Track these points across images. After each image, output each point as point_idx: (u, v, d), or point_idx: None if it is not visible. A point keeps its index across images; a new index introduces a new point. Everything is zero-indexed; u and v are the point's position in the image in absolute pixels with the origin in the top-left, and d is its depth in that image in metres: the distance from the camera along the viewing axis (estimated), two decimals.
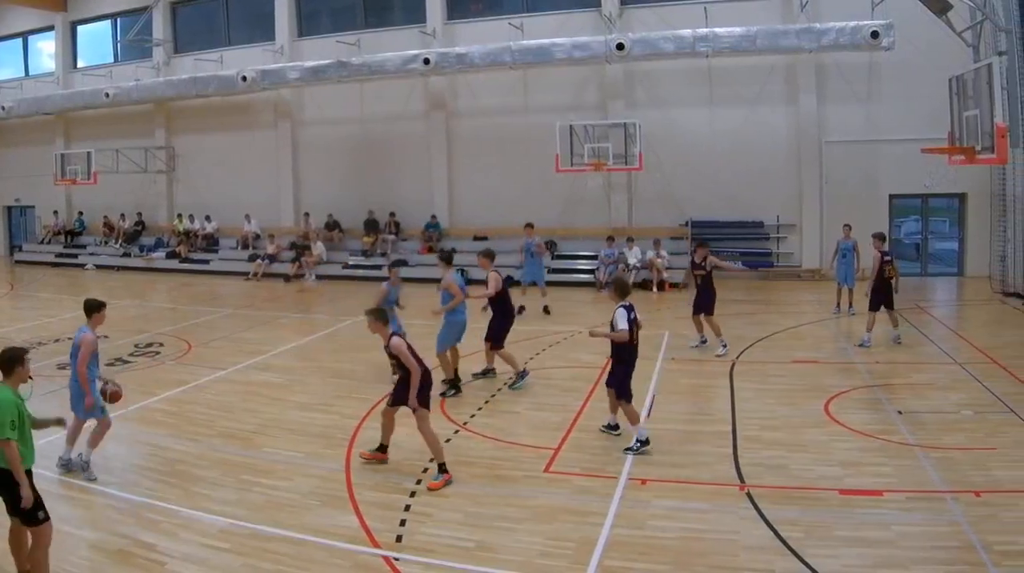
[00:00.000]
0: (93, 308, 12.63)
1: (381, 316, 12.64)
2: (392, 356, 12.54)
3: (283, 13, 40.29)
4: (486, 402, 16.67)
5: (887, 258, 20.89)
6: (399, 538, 10.42)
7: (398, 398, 12.76)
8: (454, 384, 17.07)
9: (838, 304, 26.04)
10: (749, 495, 11.46)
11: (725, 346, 20.44)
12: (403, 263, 18.23)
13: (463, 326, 17.46)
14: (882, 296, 20.83)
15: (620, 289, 13.92)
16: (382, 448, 13.15)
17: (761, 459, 12.89)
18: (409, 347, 12.47)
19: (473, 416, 15.64)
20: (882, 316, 21.06)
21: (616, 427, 14.19)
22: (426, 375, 12.59)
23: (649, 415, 14.97)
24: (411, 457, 13.02)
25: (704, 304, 20.69)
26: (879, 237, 21.41)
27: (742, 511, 10.99)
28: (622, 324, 13.45)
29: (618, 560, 9.74)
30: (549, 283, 28.02)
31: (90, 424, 12.79)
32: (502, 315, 17.82)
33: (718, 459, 12.99)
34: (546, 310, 26.66)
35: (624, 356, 13.69)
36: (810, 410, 15.50)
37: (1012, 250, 27.99)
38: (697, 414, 15.71)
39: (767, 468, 12.51)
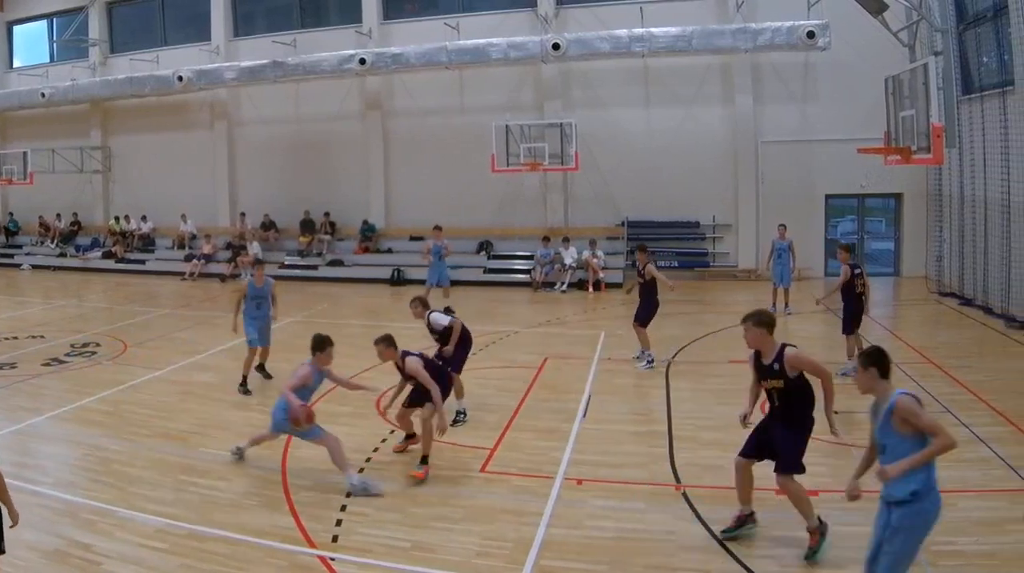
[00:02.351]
0: (317, 346, 12.14)
1: (390, 343, 12.52)
2: (409, 377, 12.52)
3: (219, 13, 38.75)
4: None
5: (857, 271, 17.76)
6: (335, 538, 10.13)
7: (415, 402, 12.67)
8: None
9: (774, 304, 25.17)
10: (685, 495, 11.21)
11: (650, 362, 18.56)
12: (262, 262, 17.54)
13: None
14: (857, 316, 17.86)
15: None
16: (410, 436, 13.23)
17: (697, 459, 12.59)
18: (425, 363, 12.45)
19: None
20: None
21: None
22: (447, 378, 13.17)
23: (585, 415, 14.64)
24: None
25: (641, 315, 18.99)
26: (845, 248, 18.53)
27: (678, 511, 10.77)
28: None
29: (555, 560, 9.50)
30: (485, 283, 27.87)
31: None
32: (462, 346, 16.15)
33: (654, 459, 12.64)
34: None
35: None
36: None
37: (948, 250, 27.59)
38: (633, 414, 15.12)
39: (703, 468, 12.18)
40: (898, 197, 31.68)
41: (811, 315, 24.56)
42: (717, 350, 20.19)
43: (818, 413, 9.68)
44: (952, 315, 24.69)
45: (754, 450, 9.97)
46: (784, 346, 9.69)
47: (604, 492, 11.43)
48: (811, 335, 21.51)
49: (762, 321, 9.85)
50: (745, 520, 9.99)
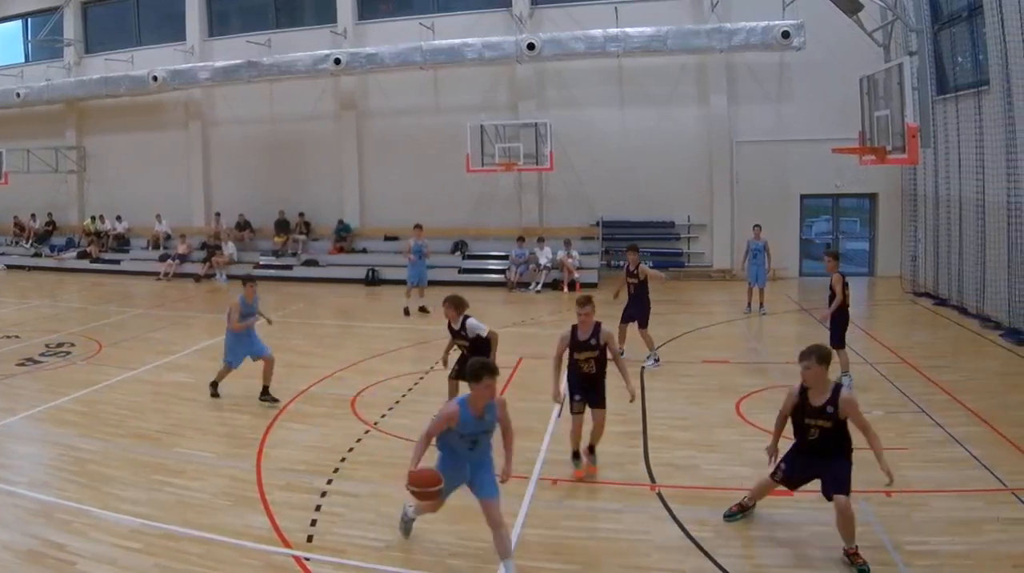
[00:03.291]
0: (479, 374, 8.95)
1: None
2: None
3: (194, 13, 38.07)
4: (396, 402, 15.91)
5: (846, 281, 16.78)
6: (310, 538, 10.02)
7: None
8: None
9: (749, 304, 25.08)
10: (660, 495, 11.13)
11: (657, 360, 18.54)
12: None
13: None
14: (845, 327, 16.67)
15: None
16: None
17: (672, 459, 12.52)
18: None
19: (384, 416, 14.98)
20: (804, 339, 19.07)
21: None
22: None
23: (560, 415, 14.11)
24: (323, 457, 12.68)
25: (638, 315, 18.70)
26: (834, 256, 17.40)
27: (653, 511, 10.70)
28: None
29: (530, 560, 9.36)
30: (460, 283, 27.10)
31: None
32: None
33: (629, 459, 12.54)
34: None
35: None
36: (721, 410, 15.02)
37: (923, 250, 27.35)
38: (608, 414, 14.04)
39: (678, 468, 12.15)
40: (873, 197, 31.39)
41: (785, 315, 24.29)
42: (691, 350, 19.89)
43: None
44: (927, 315, 24.46)
45: (789, 481, 9.87)
46: (838, 387, 9.35)
47: (579, 492, 11.37)
48: (786, 335, 21.19)
49: (824, 358, 9.39)
50: (747, 509, 10.24)
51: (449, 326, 14.03)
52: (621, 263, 29.84)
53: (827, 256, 17.45)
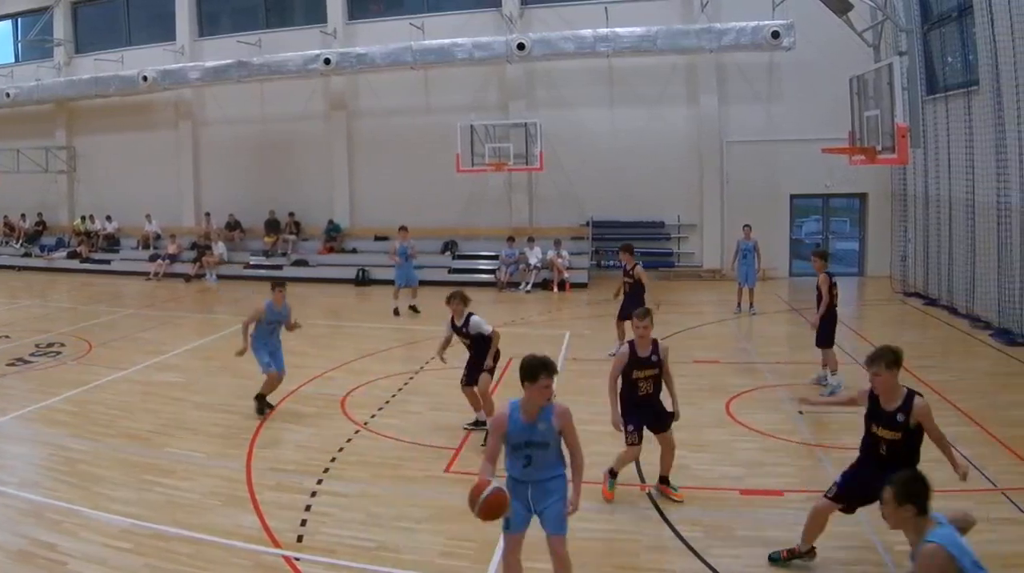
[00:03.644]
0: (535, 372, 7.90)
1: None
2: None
3: (184, 13, 37.78)
4: (387, 402, 15.82)
5: (834, 280, 16.42)
6: (300, 538, 9.95)
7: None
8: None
9: (739, 304, 24.83)
10: (650, 495, 11.06)
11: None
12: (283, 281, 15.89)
13: None
14: (834, 327, 16.49)
15: None
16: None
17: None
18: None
19: (373, 416, 14.90)
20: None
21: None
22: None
23: None
24: (313, 457, 12.63)
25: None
26: (822, 255, 16.81)
27: (643, 511, 10.63)
28: None
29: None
30: (450, 283, 26.34)
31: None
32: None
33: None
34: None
35: None
36: (711, 410, 14.86)
37: (913, 250, 27.18)
38: (597, 414, 13.77)
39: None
40: (863, 197, 31.31)
41: (776, 315, 24.13)
42: (681, 351, 19.17)
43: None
44: (917, 315, 24.30)
45: (845, 499, 8.98)
46: (911, 393, 8.56)
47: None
48: (776, 335, 21.05)
49: (894, 362, 8.57)
50: (802, 555, 9.11)
51: (452, 322, 13.83)
52: (612, 263, 30.28)
53: (814, 256, 17.04)
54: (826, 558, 9.09)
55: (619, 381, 11.03)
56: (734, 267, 25.40)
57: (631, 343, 11.04)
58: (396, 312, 25.19)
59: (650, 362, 10.87)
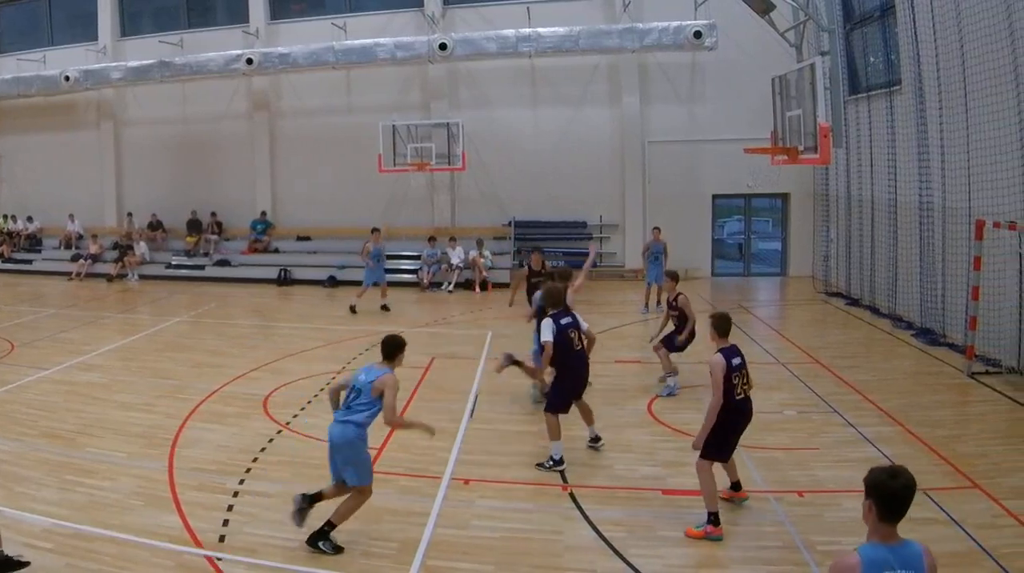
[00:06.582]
0: (398, 347, 9.59)
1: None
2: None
3: (106, 13, 35.93)
4: (309, 402, 15.36)
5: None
6: (222, 538, 9.68)
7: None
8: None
9: (646, 304, 24.57)
10: (572, 495, 10.88)
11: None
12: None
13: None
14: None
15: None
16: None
17: (584, 459, 12.18)
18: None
19: (296, 416, 14.56)
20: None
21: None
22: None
23: (472, 415, 14.32)
24: (235, 457, 12.31)
25: None
26: (673, 277, 16.76)
27: (565, 511, 10.45)
28: None
29: (441, 560, 9.18)
30: (372, 283, 25.81)
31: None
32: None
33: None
34: (385, 308, 25.13)
35: None
36: (633, 410, 14.64)
37: (835, 250, 26.83)
38: (520, 414, 14.64)
39: (590, 468, 11.86)
40: (785, 197, 30.70)
41: (697, 315, 23.17)
42: (603, 351, 18.20)
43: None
44: (839, 315, 23.90)
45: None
46: None
47: (491, 492, 11.10)
48: (698, 335, 19.94)
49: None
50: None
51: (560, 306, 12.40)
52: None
53: (667, 277, 17.03)
54: (748, 557, 9.11)
55: None
56: (644, 267, 25.25)
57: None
58: (353, 310, 24.54)
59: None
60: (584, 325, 12.27)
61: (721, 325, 9.99)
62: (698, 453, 9.70)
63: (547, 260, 18.83)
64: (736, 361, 9.70)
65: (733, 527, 9.70)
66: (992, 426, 13.58)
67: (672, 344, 15.94)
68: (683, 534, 9.56)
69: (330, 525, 9.27)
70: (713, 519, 9.61)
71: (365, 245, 25.25)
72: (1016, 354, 16.04)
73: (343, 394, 9.51)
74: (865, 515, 5.13)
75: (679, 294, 16.12)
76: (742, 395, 9.73)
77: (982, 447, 12.29)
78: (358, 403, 9.20)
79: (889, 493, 4.99)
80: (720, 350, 9.77)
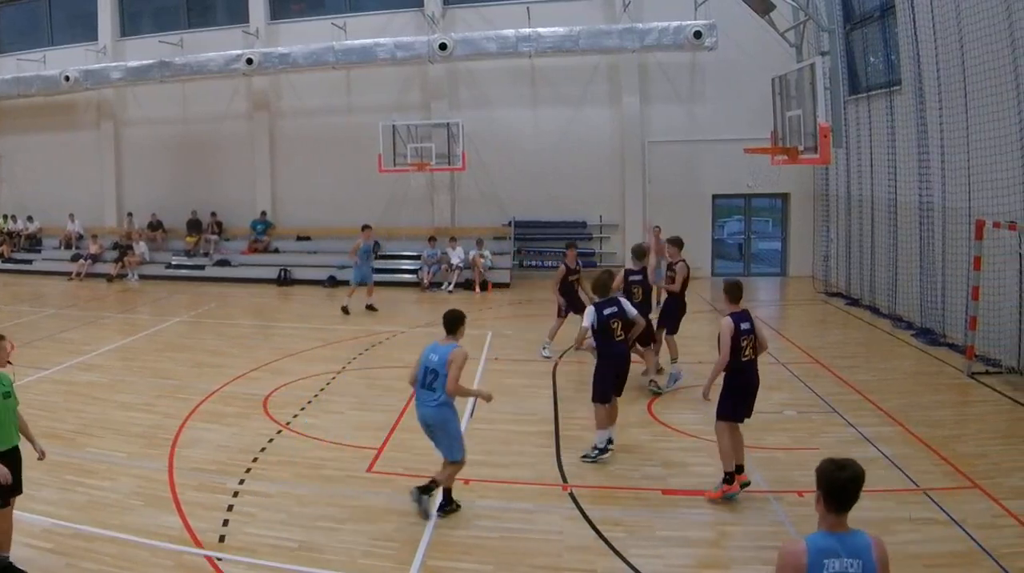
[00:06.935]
0: (459, 321, 10.30)
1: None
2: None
3: (106, 13, 35.87)
4: (308, 402, 15.43)
5: (690, 270, 16.60)
6: (222, 538, 9.69)
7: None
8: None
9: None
10: (572, 495, 10.88)
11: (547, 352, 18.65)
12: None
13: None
14: (681, 315, 16.58)
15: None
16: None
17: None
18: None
19: (296, 416, 14.55)
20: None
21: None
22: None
23: (472, 415, 14.10)
24: (235, 457, 12.29)
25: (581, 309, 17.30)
26: (677, 243, 16.86)
27: (565, 511, 10.44)
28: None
29: (441, 560, 9.18)
30: (373, 283, 25.91)
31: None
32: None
33: (541, 459, 12.24)
34: (371, 308, 24.94)
35: None
36: (634, 410, 14.42)
37: (835, 250, 26.70)
38: (520, 414, 14.64)
39: (590, 468, 11.82)
40: (785, 197, 30.54)
41: (697, 315, 22.91)
42: None
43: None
44: (839, 315, 23.79)
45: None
46: None
47: (491, 492, 11.07)
48: (698, 334, 19.93)
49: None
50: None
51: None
52: (533, 263, 30.85)
53: (669, 243, 16.96)
54: (748, 557, 9.14)
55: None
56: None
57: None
58: (345, 310, 24.40)
59: None
60: (632, 312, 12.25)
61: (733, 291, 10.64)
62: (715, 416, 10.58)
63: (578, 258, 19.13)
64: (745, 326, 10.35)
65: (733, 527, 9.70)
66: (992, 426, 13.53)
67: (673, 324, 16.26)
68: (683, 534, 9.59)
69: (434, 482, 9.92)
70: (728, 477, 10.20)
71: (356, 242, 25.23)
72: (1016, 354, 16.00)
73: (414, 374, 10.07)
74: (816, 505, 5.37)
75: (680, 260, 16.44)
76: (749, 357, 10.36)
77: (982, 447, 12.24)
78: (439, 383, 9.71)
79: (837, 484, 5.23)
80: (731, 314, 10.42)
